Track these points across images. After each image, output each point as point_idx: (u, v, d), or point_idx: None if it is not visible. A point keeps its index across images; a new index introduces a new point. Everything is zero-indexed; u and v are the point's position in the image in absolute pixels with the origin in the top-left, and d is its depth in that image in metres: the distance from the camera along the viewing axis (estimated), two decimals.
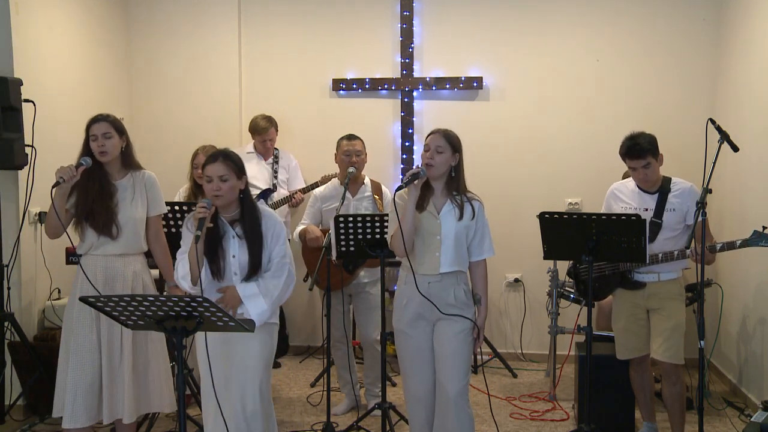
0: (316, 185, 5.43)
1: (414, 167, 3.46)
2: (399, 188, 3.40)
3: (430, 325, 3.46)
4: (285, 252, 3.33)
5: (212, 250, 3.24)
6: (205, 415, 3.31)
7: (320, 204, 4.80)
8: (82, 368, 3.48)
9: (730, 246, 3.84)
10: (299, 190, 5.57)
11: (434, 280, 3.41)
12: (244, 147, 5.92)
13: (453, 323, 3.40)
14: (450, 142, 3.42)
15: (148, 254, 3.79)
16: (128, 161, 3.67)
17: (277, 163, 5.81)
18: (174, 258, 3.40)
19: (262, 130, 5.72)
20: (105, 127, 3.55)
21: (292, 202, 5.54)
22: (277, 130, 5.83)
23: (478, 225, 3.47)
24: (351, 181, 4.71)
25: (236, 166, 3.27)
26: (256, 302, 3.22)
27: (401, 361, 3.55)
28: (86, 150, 3.56)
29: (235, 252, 3.26)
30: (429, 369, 3.46)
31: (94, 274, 3.55)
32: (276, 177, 5.78)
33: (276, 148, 5.86)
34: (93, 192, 3.53)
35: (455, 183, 3.46)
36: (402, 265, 3.54)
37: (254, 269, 3.26)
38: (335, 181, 4.87)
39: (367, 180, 4.86)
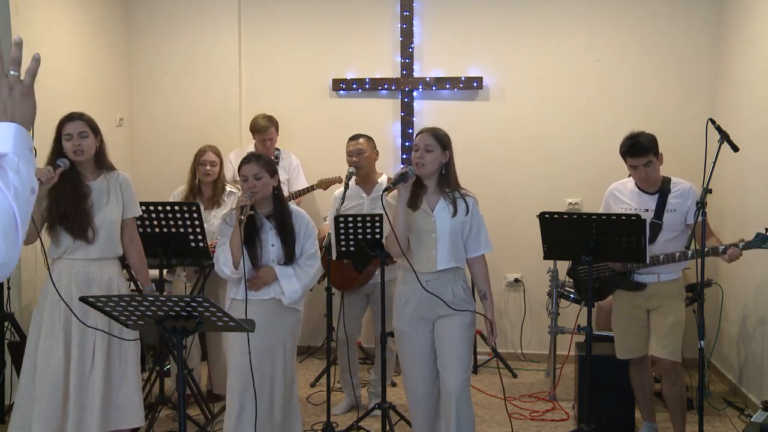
0: (299, 193, 5.45)
1: (401, 168, 3.46)
2: (386, 189, 3.45)
3: (430, 324, 3.48)
4: (316, 247, 3.67)
5: (250, 241, 3.52)
6: (230, 407, 3.47)
7: (339, 204, 4.77)
8: (46, 381, 3.32)
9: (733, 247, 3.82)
10: (291, 193, 5.50)
11: (432, 278, 3.42)
12: (244, 147, 5.91)
13: (454, 318, 3.42)
14: (438, 139, 3.45)
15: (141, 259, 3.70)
16: (102, 162, 3.54)
17: (276, 164, 5.78)
18: (179, 257, 3.49)
19: (262, 129, 5.66)
20: (81, 125, 3.43)
21: None
22: (277, 130, 5.78)
23: (473, 221, 3.49)
24: (363, 181, 4.69)
25: (268, 165, 3.60)
26: (291, 281, 3.54)
27: (402, 361, 3.57)
28: (57, 149, 3.42)
29: (274, 242, 3.57)
30: (429, 368, 3.47)
31: (69, 279, 3.42)
32: None
33: (277, 149, 5.83)
34: (66, 194, 3.40)
35: (447, 180, 3.48)
36: (400, 265, 3.55)
37: (290, 258, 3.58)
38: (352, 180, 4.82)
39: (382, 179, 4.78)
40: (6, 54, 1.55)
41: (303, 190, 5.55)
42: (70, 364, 3.36)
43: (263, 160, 3.58)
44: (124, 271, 3.83)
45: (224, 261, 3.51)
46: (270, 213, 3.60)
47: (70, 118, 3.45)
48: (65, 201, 3.40)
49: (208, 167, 4.80)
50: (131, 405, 3.50)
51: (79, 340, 3.38)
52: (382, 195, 3.45)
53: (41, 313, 3.42)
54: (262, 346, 3.44)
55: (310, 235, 3.64)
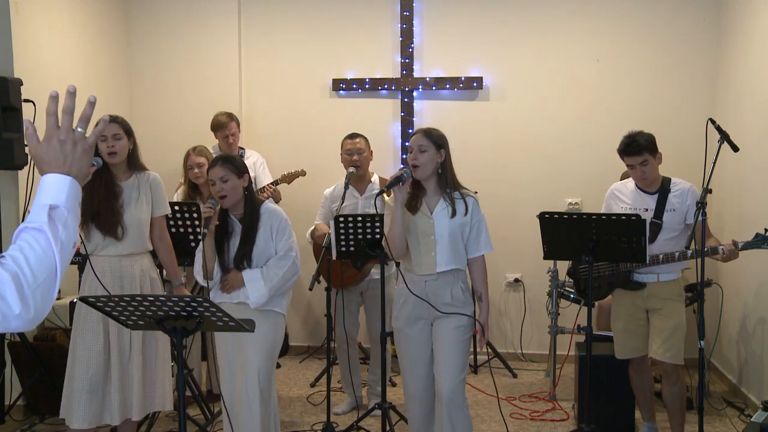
0: (282, 180, 5.41)
1: (397, 170, 3.46)
2: (380, 193, 3.45)
3: (428, 324, 3.48)
4: (290, 246, 3.58)
5: (219, 245, 3.53)
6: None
7: (329, 203, 4.76)
8: (87, 370, 3.49)
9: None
10: (269, 184, 5.43)
11: (431, 279, 3.43)
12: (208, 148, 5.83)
13: (450, 319, 3.42)
14: (432, 139, 3.41)
15: (154, 254, 3.81)
16: (134, 162, 3.69)
17: None
18: (178, 257, 3.64)
19: (223, 125, 5.48)
20: (115, 128, 3.57)
21: (263, 196, 5.33)
22: (239, 126, 5.62)
23: (474, 221, 3.46)
24: (357, 180, 4.68)
25: (235, 167, 3.53)
26: (256, 285, 3.49)
27: (400, 359, 3.59)
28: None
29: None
30: (426, 367, 3.49)
31: (102, 275, 3.56)
32: None
33: (241, 148, 5.70)
34: (99, 193, 3.55)
35: (445, 180, 3.45)
36: (401, 265, 3.56)
37: (241, 259, 3.53)
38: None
39: (375, 178, 4.80)
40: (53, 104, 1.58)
41: (267, 186, 5.48)
42: (111, 354, 3.53)
43: (229, 162, 3.54)
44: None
45: (198, 269, 3.55)
46: (241, 216, 3.59)
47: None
48: (98, 199, 3.55)
49: (195, 170, 4.77)
50: (165, 389, 3.70)
51: (118, 330, 3.53)
52: (375, 198, 3.45)
53: (80, 310, 3.57)
54: (234, 348, 3.53)
55: (283, 232, 3.58)
